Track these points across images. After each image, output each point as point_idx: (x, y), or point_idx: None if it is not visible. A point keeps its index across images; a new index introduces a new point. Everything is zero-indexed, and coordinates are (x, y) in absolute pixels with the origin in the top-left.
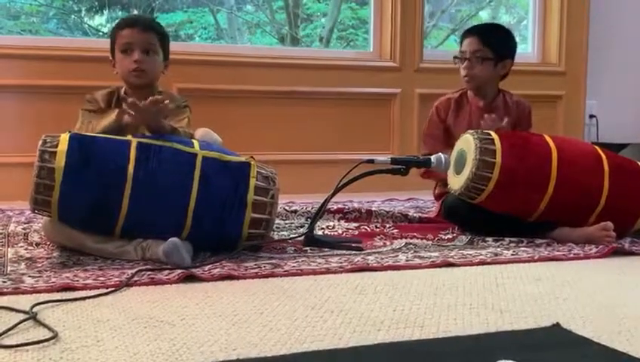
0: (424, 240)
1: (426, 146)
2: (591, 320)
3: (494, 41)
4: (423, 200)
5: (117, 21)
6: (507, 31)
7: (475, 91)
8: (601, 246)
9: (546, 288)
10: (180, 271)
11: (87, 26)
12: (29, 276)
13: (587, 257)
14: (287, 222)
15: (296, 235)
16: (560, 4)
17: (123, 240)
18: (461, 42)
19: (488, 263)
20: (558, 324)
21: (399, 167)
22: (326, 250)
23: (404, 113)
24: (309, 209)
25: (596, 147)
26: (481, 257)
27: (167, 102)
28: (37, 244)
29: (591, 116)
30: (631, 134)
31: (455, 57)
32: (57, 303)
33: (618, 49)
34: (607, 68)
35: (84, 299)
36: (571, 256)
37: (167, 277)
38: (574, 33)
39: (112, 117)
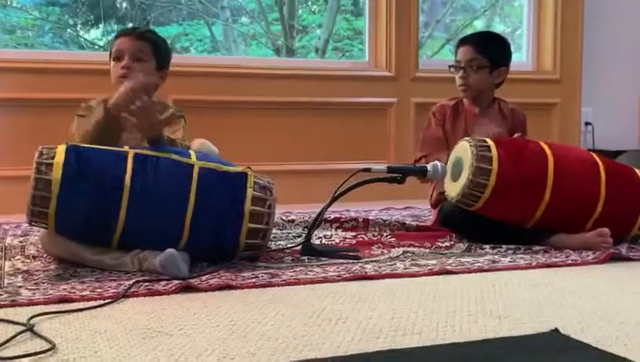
0: (422, 249)
1: (425, 149)
2: (589, 325)
3: (489, 49)
4: (420, 209)
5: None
6: (502, 38)
7: (471, 100)
8: (598, 253)
9: (544, 294)
10: (177, 281)
11: (82, 39)
12: (26, 288)
13: (584, 263)
14: (284, 231)
15: (294, 245)
16: (554, 12)
17: (120, 252)
18: (456, 51)
19: (486, 270)
20: (556, 330)
21: (396, 175)
22: (324, 259)
23: (401, 122)
24: (306, 218)
25: (592, 154)
26: (478, 264)
27: (170, 111)
28: (34, 257)
29: (586, 123)
30: (627, 141)
31: (450, 66)
32: (55, 315)
33: (613, 56)
34: (602, 75)
35: (81, 310)
36: (569, 262)
37: (164, 287)
38: (569, 41)
39: (99, 109)
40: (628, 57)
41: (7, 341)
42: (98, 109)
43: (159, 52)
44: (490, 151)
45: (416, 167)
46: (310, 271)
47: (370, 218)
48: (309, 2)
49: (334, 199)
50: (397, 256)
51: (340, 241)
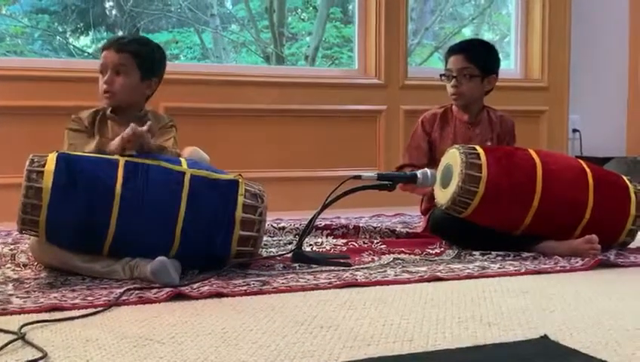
0: (412, 255)
1: (409, 158)
2: (578, 331)
3: (480, 58)
4: (410, 216)
5: None
6: (490, 46)
7: (461, 108)
8: (586, 259)
9: (533, 301)
10: (168, 289)
11: (72, 46)
12: (17, 297)
13: (573, 270)
14: (275, 239)
15: (285, 252)
16: (542, 20)
17: (111, 260)
18: (446, 60)
19: (476, 277)
20: (545, 336)
21: (386, 182)
22: (314, 266)
23: (390, 129)
24: (296, 226)
25: (581, 161)
26: (468, 271)
27: (148, 123)
28: (24, 265)
29: (574, 130)
30: (614, 148)
31: (442, 75)
32: (46, 323)
33: (600, 63)
34: (589, 82)
35: (72, 318)
36: (557, 268)
37: (155, 295)
38: (556, 49)
39: (91, 146)
40: (615, 64)
41: None
42: (90, 148)
43: (143, 63)
44: (479, 158)
45: (407, 175)
46: (301, 278)
47: (361, 225)
48: (299, 10)
49: (325, 206)
50: (387, 263)
51: (331, 248)
